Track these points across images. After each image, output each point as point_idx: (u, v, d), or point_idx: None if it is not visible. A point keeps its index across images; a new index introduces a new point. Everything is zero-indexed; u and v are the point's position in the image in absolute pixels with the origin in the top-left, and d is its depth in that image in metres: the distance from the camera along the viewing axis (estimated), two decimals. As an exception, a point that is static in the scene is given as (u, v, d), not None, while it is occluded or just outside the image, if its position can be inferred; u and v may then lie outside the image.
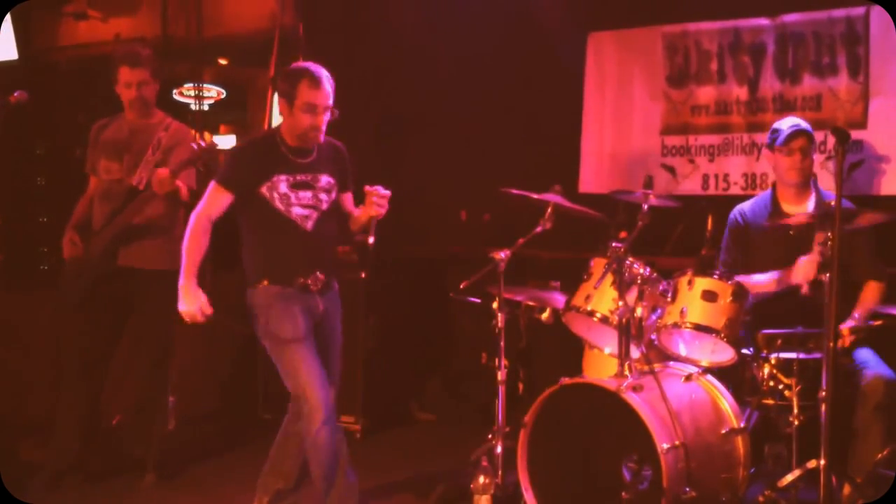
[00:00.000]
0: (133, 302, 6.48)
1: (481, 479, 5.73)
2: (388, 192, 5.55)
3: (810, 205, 6.09)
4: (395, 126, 8.58)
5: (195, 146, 6.15)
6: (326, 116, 5.44)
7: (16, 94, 6.07)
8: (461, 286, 6.23)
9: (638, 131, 7.78)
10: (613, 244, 5.67)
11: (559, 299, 6.31)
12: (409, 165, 8.21)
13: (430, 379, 8.17)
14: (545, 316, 6.39)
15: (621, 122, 7.87)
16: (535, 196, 6.06)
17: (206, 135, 11.85)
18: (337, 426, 5.50)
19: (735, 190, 7.26)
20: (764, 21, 7.27)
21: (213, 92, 12.22)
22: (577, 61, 8.00)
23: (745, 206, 6.33)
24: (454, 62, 8.21)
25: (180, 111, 11.53)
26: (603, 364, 6.17)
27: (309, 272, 5.50)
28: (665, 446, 5.10)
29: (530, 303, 6.48)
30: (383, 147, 8.35)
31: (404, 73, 8.46)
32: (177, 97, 11.47)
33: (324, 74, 5.38)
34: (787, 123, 6.15)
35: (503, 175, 6.81)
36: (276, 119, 10.02)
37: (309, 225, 5.50)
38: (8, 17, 9.99)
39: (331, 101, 5.42)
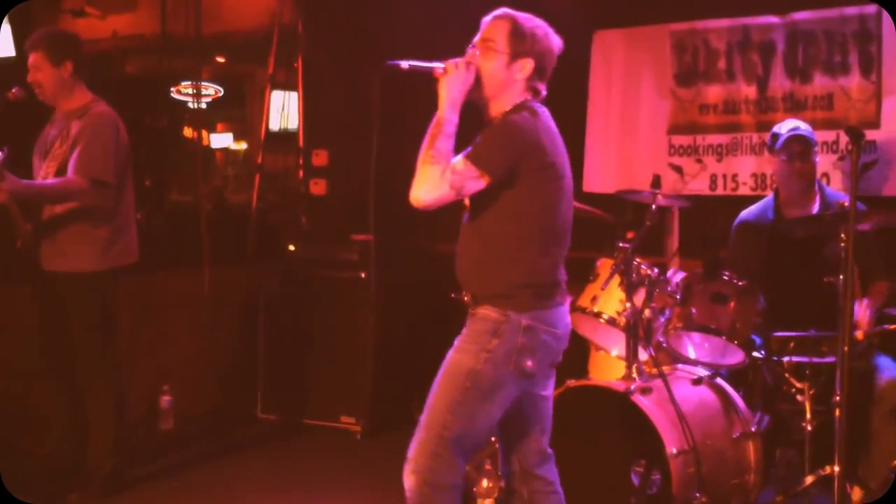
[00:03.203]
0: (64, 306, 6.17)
1: (485, 483, 5.63)
2: None
3: (814, 208, 6.01)
4: (397, 123, 8.49)
5: None
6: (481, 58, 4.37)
7: (14, 91, 5.98)
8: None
9: (644, 130, 7.68)
10: (621, 244, 5.56)
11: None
12: (411, 163, 8.10)
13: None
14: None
15: (627, 121, 7.77)
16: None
17: (204, 132, 11.83)
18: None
19: (744, 190, 7.16)
20: (774, 19, 7.17)
21: (210, 90, 12.14)
22: (583, 59, 7.90)
23: (748, 211, 6.25)
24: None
25: (178, 109, 11.47)
26: (609, 366, 6.08)
27: None
28: (674, 451, 5.01)
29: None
30: (385, 145, 8.25)
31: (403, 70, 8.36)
32: (175, 95, 11.40)
33: (496, 12, 4.44)
34: (786, 127, 6.06)
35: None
36: (275, 117, 10.01)
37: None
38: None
39: (486, 37, 4.38)
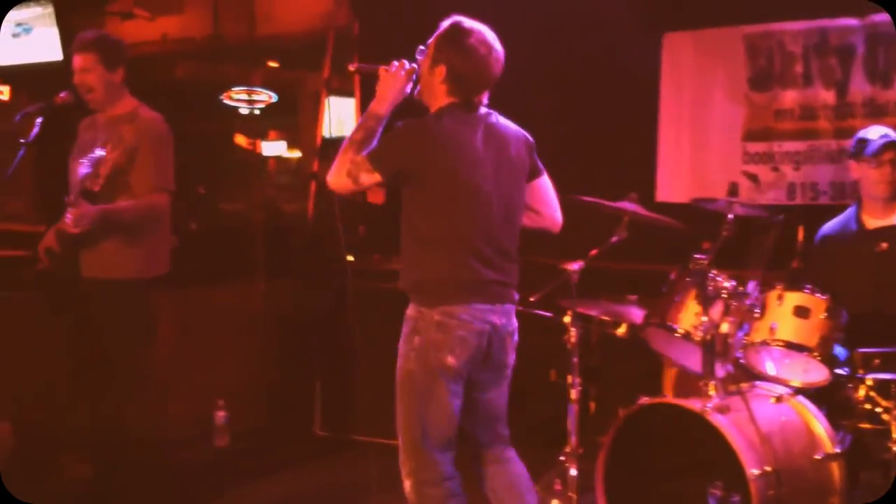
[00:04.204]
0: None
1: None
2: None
3: None
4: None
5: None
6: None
7: (61, 95, 6.03)
8: (530, 299, 6.11)
9: (717, 137, 7.62)
10: (696, 256, 5.51)
11: (636, 314, 6.16)
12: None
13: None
14: (621, 331, 6.24)
15: (699, 128, 7.72)
16: (610, 204, 5.93)
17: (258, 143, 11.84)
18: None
19: (824, 200, 7.10)
20: (852, 21, 7.11)
21: (263, 96, 12.13)
22: (652, 63, 7.86)
23: (830, 225, 6.18)
24: (520, 64, 8.02)
25: (228, 115, 11.50)
26: (685, 383, 6.03)
27: None
28: (755, 472, 4.95)
29: (604, 317, 6.33)
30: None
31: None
32: (225, 101, 11.41)
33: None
34: (875, 133, 5.98)
35: (573, 182, 6.66)
36: (330, 124, 10.00)
37: None
38: (53, 18, 10.02)
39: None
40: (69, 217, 5.68)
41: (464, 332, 4.64)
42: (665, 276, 5.77)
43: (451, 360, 4.64)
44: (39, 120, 5.91)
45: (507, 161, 4.80)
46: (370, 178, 4.64)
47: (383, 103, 4.80)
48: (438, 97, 4.78)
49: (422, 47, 4.83)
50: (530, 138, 4.97)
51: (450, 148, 4.66)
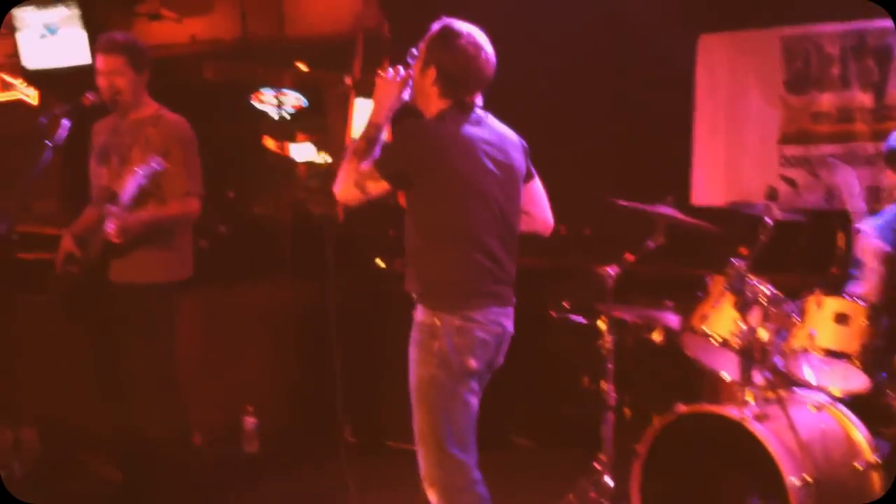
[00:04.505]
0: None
1: (588, 513, 5.57)
2: None
3: None
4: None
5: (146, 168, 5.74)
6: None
7: (89, 96, 5.99)
8: (564, 304, 6.06)
9: (754, 140, 7.60)
10: (733, 261, 5.45)
11: (673, 319, 6.11)
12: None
13: (527, 402, 8.00)
14: (657, 337, 6.18)
15: (735, 131, 7.70)
16: (647, 208, 5.88)
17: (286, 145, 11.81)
18: None
19: (859, 204, 7.04)
20: (890, 23, 7.02)
21: (291, 99, 12.09)
22: (688, 65, 7.82)
23: (869, 225, 6.10)
24: (554, 65, 8.04)
25: (257, 118, 11.47)
26: (722, 391, 5.98)
27: None
28: (794, 481, 4.90)
29: (640, 322, 6.28)
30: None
31: (499, 78, 8.27)
32: (254, 103, 11.36)
33: None
34: None
35: (609, 185, 6.64)
36: (359, 126, 9.97)
37: None
38: (80, 20, 10.01)
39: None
40: (111, 227, 5.65)
41: (483, 335, 4.64)
42: (702, 280, 5.72)
43: (472, 362, 4.61)
44: (66, 122, 5.88)
45: (507, 163, 4.77)
46: (377, 186, 4.63)
47: (381, 110, 4.78)
48: (431, 99, 4.74)
49: (413, 51, 4.79)
50: (524, 142, 4.92)
51: (453, 149, 4.64)
